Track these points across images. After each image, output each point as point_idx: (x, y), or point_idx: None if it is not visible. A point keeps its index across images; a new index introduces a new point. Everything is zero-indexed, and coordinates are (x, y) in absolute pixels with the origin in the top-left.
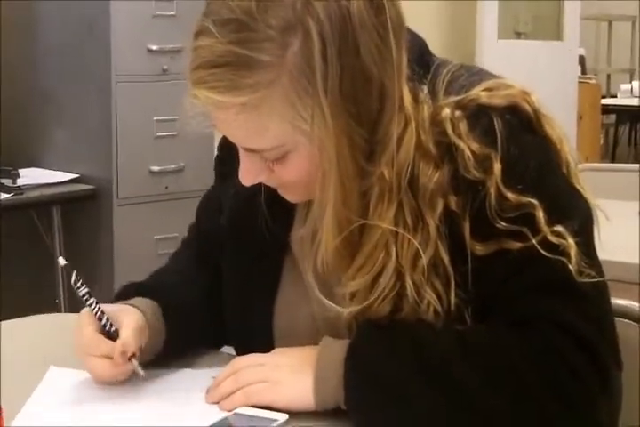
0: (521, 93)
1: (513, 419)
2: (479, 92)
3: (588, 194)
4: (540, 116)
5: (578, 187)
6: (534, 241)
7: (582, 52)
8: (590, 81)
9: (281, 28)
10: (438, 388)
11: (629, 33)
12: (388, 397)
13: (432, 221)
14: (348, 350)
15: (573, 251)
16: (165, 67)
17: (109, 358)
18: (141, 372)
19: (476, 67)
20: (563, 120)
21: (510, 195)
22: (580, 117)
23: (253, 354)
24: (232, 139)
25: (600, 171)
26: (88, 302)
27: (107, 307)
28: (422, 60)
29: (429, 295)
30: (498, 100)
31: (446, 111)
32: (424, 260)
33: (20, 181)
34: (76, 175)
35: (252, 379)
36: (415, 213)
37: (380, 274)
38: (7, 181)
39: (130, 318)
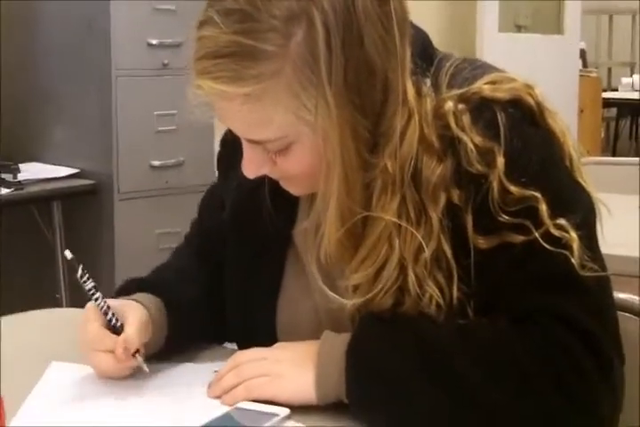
0: (524, 87)
1: (515, 413)
2: (482, 86)
3: (591, 187)
4: (542, 109)
5: (580, 180)
6: (537, 234)
7: (583, 45)
8: (591, 74)
9: (285, 18)
10: (440, 382)
11: (630, 26)
12: (389, 390)
13: (435, 215)
14: (350, 344)
15: (576, 244)
16: (166, 61)
17: (114, 353)
18: (146, 368)
19: (478, 60)
20: (563, 114)
21: (513, 188)
22: (580, 111)
23: (255, 348)
24: (235, 130)
25: (601, 164)
26: (94, 297)
27: (111, 302)
28: (425, 53)
29: (431, 289)
30: (501, 93)
31: (449, 104)
32: (426, 253)
33: (20, 176)
34: (77, 170)
35: (253, 373)
36: (418, 207)
37: (382, 267)
38: (7, 176)
39: (134, 314)
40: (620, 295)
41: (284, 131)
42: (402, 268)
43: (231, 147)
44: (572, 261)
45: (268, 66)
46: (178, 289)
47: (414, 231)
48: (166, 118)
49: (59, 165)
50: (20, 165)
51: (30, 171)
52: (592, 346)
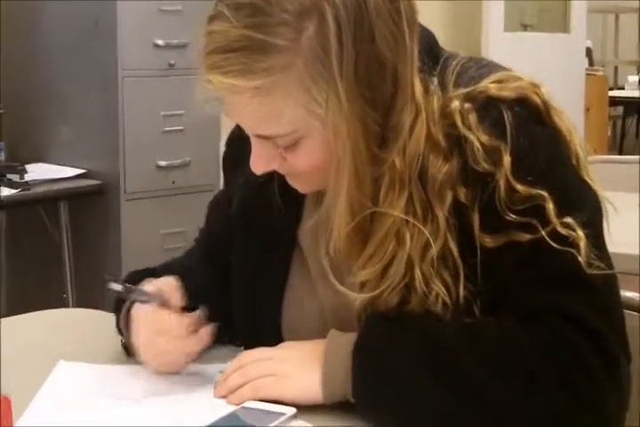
0: (530, 86)
1: (522, 411)
2: (488, 85)
3: (597, 186)
4: (549, 108)
5: (587, 179)
6: (544, 233)
7: (589, 44)
8: (597, 73)
9: (296, 13)
10: (447, 380)
11: (636, 25)
12: (396, 389)
13: (441, 213)
14: (356, 343)
15: (583, 243)
16: (172, 62)
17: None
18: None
19: (484, 59)
20: (570, 112)
21: (520, 187)
22: (587, 110)
23: (261, 348)
24: (245, 125)
25: (608, 163)
26: (150, 304)
27: (149, 288)
28: (431, 52)
29: (438, 287)
30: (507, 92)
31: (456, 103)
32: (433, 251)
33: (27, 177)
34: (84, 170)
35: (259, 373)
36: (424, 205)
37: (390, 264)
38: (14, 177)
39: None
40: (626, 294)
41: (294, 125)
42: (409, 265)
43: (237, 146)
44: (579, 259)
45: (278, 59)
46: (188, 278)
47: (422, 228)
48: (173, 119)
49: (65, 165)
50: (27, 166)
51: (37, 171)
52: (599, 344)
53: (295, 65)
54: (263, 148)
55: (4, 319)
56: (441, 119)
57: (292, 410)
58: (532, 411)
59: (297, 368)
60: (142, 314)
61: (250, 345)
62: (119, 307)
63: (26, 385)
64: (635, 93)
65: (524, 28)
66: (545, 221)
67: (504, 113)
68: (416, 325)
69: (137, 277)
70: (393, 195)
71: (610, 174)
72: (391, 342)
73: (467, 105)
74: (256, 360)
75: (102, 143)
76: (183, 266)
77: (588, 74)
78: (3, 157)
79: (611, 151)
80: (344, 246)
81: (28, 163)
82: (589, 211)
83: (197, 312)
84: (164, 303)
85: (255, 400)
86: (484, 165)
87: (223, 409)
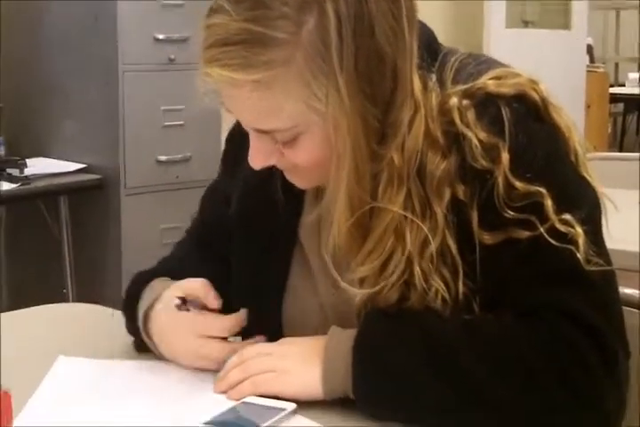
0: (529, 82)
1: (521, 408)
2: (487, 81)
3: (596, 183)
4: (547, 104)
5: (586, 175)
6: (542, 230)
7: (590, 41)
8: (598, 70)
9: (296, 6)
10: (446, 377)
11: (637, 22)
12: (395, 385)
13: (439, 210)
14: (356, 339)
15: (581, 239)
16: (172, 56)
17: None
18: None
19: (483, 55)
20: (570, 109)
21: (518, 184)
22: (587, 106)
23: (261, 344)
24: (244, 120)
25: (608, 160)
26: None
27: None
28: (430, 48)
29: (437, 284)
30: (506, 88)
31: (454, 100)
32: (432, 247)
33: (27, 171)
34: (84, 165)
35: (259, 368)
36: (423, 202)
37: (388, 260)
38: (14, 171)
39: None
40: (621, 289)
41: (293, 120)
42: (408, 262)
43: (237, 143)
44: (578, 256)
45: (278, 53)
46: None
47: (420, 224)
48: (173, 113)
49: (65, 159)
50: (27, 160)
51: (37, 166)
52: (597, 341)
53: (295, 59)
54: (262, 142)
55: (3, 314)
56: (439, 116)
57: (292, 406)
58: (531, 407)
59: (297, 364)
60: (172, 317)
61: None
62: (130, 306)
63: (26, 380)
64: (635, 90)
65: (526, 24)
66: (543, 218)
67: (502, 110)
68: (416, 321)
69: (145, 278)
70: (391, 191)
71: (610, 171)
72: (391, 339)
73: (465, 102)
74: (256, 356)
75: (102, 138)
76: (179, 259)
77: (588, 71)
78: (3, 152)
79: (611, 148)
80: (344, 242)
81: (28, 157)
82: (588, 207)
83: (239, 314)
84: (203, 307)
85: (255, 396)
86: (483, 162)
87: (223, 405)
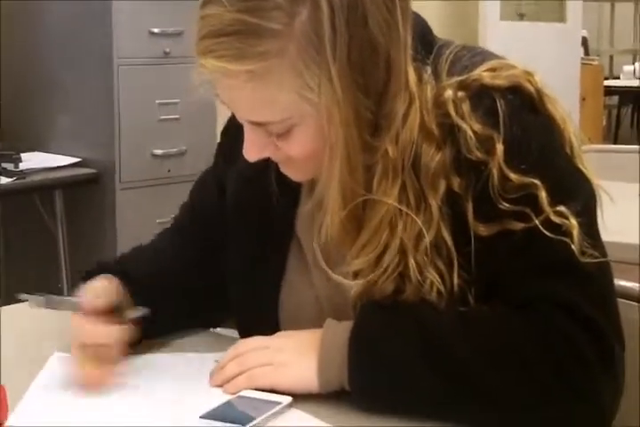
0: (524, 74)
1: (516, 400)
2: (482, 73)
3: (591, 174)
4: (542, 96)
5: (581, 167)
6: (537, 222)
7: (585, 33)
8: (593, 62)
9: None
10: (441, 369)
11: (632, 14)
12: (391, 377)
13: (434, 202)
14: (352, 331)
15: (576, 231)
16: (167, 50)
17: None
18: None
19: (478, 47)
20: (565, 102)
21: (513, 175)
22: (582, 99)
23: (257, 337)
24: (238, 111)
25: (602, 152)
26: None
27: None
28: (425, 40)
29: (432, 276)
30: (500, 80)
31: (449, 92)
32: (427, 240)
33: (22, 166)
34: (79, 159)
35: (256, 362)
36: (418, 194)
37: (383, 252)
38: (9, 166)
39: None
40: (620, 283)
41: (287, 112)
42: (402, 254)
43: (233, 136)
44: (573, 247)
45: (272, 44)
46: (146, 269)
47: (415, 217)
48: (168, 107)
49: (61, 154)
50: (22, 155)
51: (32, 160)
52: (593, 333)
53: (288, 50)
54: (256, 135)
55: None
56: (434, 108)
57: (288, 399)
58: (526, 399)
59: (294, 357)
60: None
61: (247, 334)
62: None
63: (21, 375)
64: (630, 83)
65: (521, 17)
66: (538, 210)
67: (497, 101)
68: (411, 313)
69: (104, 268)
70: (386, 183)
71: (605, 164)
72: (386, 330)
73: (460, 94)
74: (252, 349)
75: (97, 132)
76: (155, 249)
77: (583, 63)
78: None
79: (606, 141)
80: (337, 233)
81: (23, 151)
82: (583, 199)
83: (129, 317)
84: (91, 311)
85: (251, 389)
86: (478, 154)
87: (219, 398)
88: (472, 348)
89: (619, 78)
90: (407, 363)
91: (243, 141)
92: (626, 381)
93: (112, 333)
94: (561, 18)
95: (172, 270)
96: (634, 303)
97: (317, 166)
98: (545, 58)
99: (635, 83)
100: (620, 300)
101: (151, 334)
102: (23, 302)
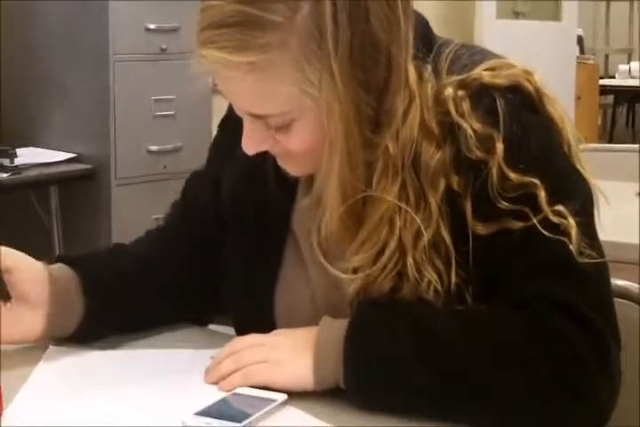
0: (523, 73)
1: (513, 399)
2: (482, 72)
3: (589, 174)
4: (542, 95)
5: (579, 167)
6: (535, 221)
7: (580, 32)
8: (588, 61)
9: None
10: (437, 367)
11: (627, 13)
12: (386, 375)
13: (434, 200)
14: (348, 328)
15: (574, 231)
16: (164, 46)
17: None
18: None
19: (477, 46)
20: (561, 101)
21: (512, 174)
22: (577, 98)
23: (253, 334)
24: (238, 103)
25: (597, 151)
26: None
27: None
28: (426, 39)
29: (430, 274)
30: (500, 79)
31: (449, 90)
32: (425, 238)
33: (17, 161)
34: (74, 155)
35: (252, 359)
36: (417, 192)
37: (382, 250)
38: (5, 161)
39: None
40: (620, 282)
41: (287, 105)
42: (401, 252)
43: (230, 130)
44: (571, 247)
45: (274, 36)
46: (110, 263)
47: (414, 214)
48: (164, 103)
49: (56, 149)
50: (18, 150)
51: (28, 155)
52: (590, 333)
53: (290, 43)
54: (255, 128)
55: None
56: (434, 106)
57: (284, 396)
58: (523, 399)
59: (289, 355)
60: None
61: (243, 331)
62: None
63: (16, 371)
64: (625, 82)
65: (516, 15)
66: (537, 209)
67: (497, 101)
68: (408, 311)
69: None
70: (386, 181)
71: (600, 163)
72: (383, 328)
73: (460, 92)
74: (248, 347)
75: (93, 128)
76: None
77: (578, 62)
78: None
79: (601, 140)
80: (336, 229)
81: (18, 147)
82: (581, 199)
83: None
84: None
85: (246, 387)
86: (477, 153)
87: (214, 395)
88: (469, 346)
89: (614, 77)
90: (403, 361)
91: (240, 135)
92: (626, 381)
93: None
94: (556, 16)
95: (164, 269)
96: (633, 304)
97: (316, 161)
98: (540, 56)
99: (630, 82)
100: (619, 300)
101: (134, 329)
102: None
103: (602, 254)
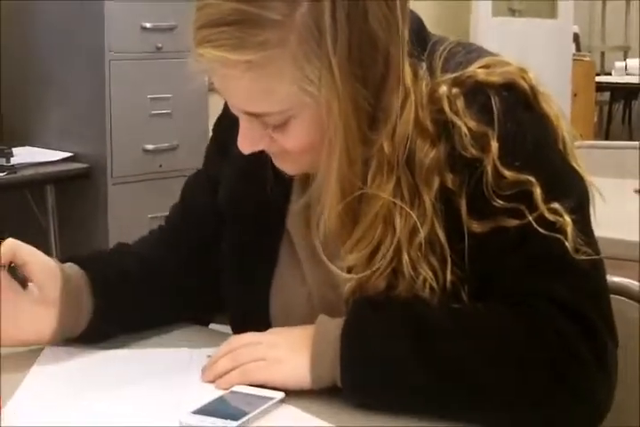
0: (518, 71)
1: (509, 397)
2: (476, 70)
3: (584, 172)
4: (537, 93)
5: (574, 164)
6: (531, 218)
7: (576, 29)
8: (584, 58)
9: None
10: (433, 365)
11: (623, 10)
12: (383, 374)
13: (427, 198)
14: (344, 328)
15: (570, 228)
16: (159, 44)
17: None
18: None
19: (472, 44)
20: (557, 98)
21: (507, 172)
22: (574, 95)
23: (250, 333)
24: (235, 101)
25: (594, 148)
26: None
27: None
28: (420, 36)
29: (425, 272)
30: (495, 77)
31: (443, 88)
32: (421, 236)
33: (13, 160)
34: (70, 154)
35: (249, 358)
36: (412, 190)
37: (377, 248)
38: (1, 160)
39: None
40: (618, 280)
41: (285, 103)
42: (396, 250)
43: (226, 128)
44: (567, 245)
45: (272, 34)
46: (115, 263)
47: (410, 212)
48: (160, 102)
49: (52, 148)
50: (14, 149)
51: (24, 155)
52: (587, 330)
53: (289, 41)
54: (251, 126)
55: None
56: (429, 104)
57: (281, 394)
58: (520, 396)
59: (286, 353)
60: None
61: (238, 330)
62: None
63: (13, 371)
64: (622, 79)
65: (512, 13)
66: (532, 207)
67: (492, 98)
68: (403, 309)
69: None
70: (381, 179)
71: (596, 160)
72: (379, 327)
73: (454, 90)
74: (246, 345)
75: (89, 127)
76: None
77: (575, 59)
78: None
79: (597, 137)
80: (334, 227)
81: (14, 146)
82: (576, 196)
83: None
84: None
85: (244, 385)
86: (472, 151)
87: (211, 394)
88: (465, 345)
89: (610, 74)
90: (399, 360)
91: (236, 134)
92: (626, 381)
93: None
94: (553, 14)
95: (165, 268)
96: (631, 301)
97: (312, 160)
98: (537, 54)
99: (626, 79)
100: (618, 297)
101: (136, 329)
102: None
103: (597, 251)
